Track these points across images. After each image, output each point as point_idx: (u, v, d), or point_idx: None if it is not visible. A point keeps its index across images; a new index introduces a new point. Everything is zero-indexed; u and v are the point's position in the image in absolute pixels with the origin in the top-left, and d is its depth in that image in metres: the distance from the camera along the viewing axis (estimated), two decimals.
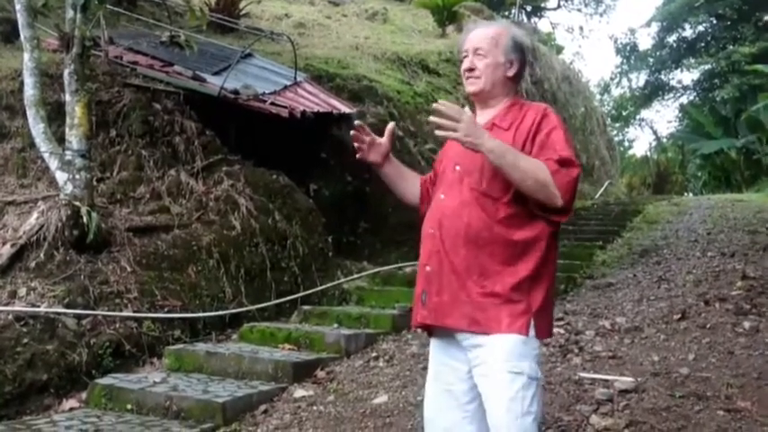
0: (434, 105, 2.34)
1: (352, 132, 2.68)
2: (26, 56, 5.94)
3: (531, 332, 2.37)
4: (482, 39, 2.55)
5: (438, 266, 2.46)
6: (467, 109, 2.37)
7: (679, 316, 5.10)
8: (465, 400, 2.51)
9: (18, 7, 5.99)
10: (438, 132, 2.36)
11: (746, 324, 4.73)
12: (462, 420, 2.51)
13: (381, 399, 4.25)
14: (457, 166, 2.52)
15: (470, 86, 2.58)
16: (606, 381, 4.03)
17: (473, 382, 2.46)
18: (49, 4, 7.21)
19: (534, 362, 2.37)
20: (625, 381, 3.97)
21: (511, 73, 2.56)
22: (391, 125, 2.72)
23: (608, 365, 4.32)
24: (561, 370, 4.30)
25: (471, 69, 2.55)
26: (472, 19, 15.82)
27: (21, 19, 5.98)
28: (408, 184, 2.81)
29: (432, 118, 2.33)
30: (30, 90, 5.87)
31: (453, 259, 2.42)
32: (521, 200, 2.39)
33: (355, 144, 2.69)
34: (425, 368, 4.67)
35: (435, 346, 2.62)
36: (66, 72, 5.73)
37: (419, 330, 2.82)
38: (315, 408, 4.31)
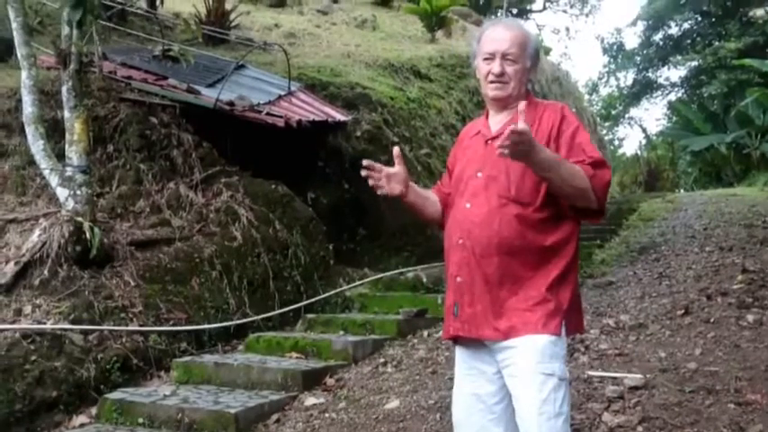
0: (513, 128, 2.18)
1: (363, 173, 2.52)
2: (24, 74, 5.95)
3: (563, 332, 2.39)
4: (512, 43, 2.49)
5: (469, 277, 2.44)
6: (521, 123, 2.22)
7: (682, 311, 5.12)
8: (492, 401, 2.51)
9: (14, 26, 5.99)
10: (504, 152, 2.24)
11: (750, 317, 4.76)
12: (489, 423, 2.51)
13: (393, 404, 4.27)
14: (479, 173, 2.49)
15: (497, 91, 2.51)
16: (615, 378, 4.05)
17: (502, 382, 2.47)
18: (43, 22, 7.21)
19: (563, 362, 2.39)
20: (634, 377, 3.99)
21: (532, 76, 2.58)
22: (396, 149, 2.59)
23: (615, 363, 4.34)
24: (569, 369, 4.27)
25: (501, 74, 2.49)
26: (460, 24, 15.89)
27: (17, 37, 5.98)
28: (430, 203, 2.72)
29: (503, 143, 2.21)
30: (29, 107, 5.88)
31: (486, 269, 2.41)
32: (551, 203, 2.39)
33: (370, 183, 2.54)
34: (434, 372, 4.74)
35: (462, 352, 2.60)
36: (63, 88, 5.74)
37: (450, 342, 2.76)
38: (327, 415, 4.33)
